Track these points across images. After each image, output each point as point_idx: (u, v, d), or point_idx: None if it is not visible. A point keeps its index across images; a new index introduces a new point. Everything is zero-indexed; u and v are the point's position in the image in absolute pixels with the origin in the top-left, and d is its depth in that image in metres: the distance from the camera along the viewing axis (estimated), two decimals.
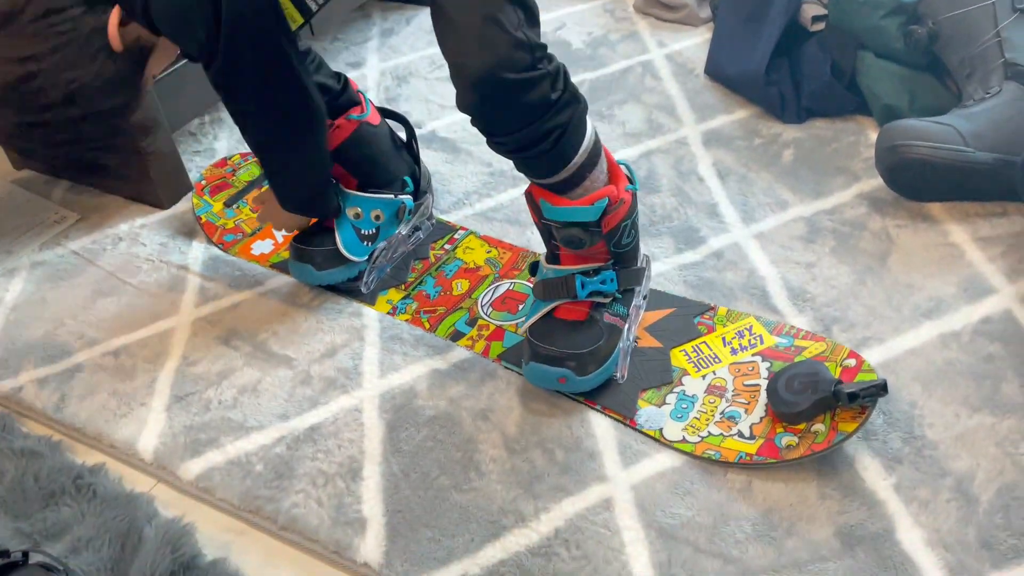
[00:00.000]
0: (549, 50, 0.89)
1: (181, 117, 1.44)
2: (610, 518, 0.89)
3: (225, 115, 1.61)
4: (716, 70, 1.52)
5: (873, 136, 1.34)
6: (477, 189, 1.37)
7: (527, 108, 0.87)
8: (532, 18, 0.87)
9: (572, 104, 0.90)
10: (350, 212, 1.15)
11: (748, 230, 1.22)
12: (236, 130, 1.55)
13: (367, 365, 1.09)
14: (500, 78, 0.84)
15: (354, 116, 1.15)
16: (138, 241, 1.34)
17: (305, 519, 0.92)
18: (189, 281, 1.25)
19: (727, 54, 1.49)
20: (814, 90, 1.38)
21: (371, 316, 1.16)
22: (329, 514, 0.93)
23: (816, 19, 1.44)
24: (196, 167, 1.48)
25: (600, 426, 0.98)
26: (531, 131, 0.88)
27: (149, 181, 1.37)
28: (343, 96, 1.17)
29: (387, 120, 1.24)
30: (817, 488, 0.89)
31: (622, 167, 1.01)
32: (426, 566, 0.87)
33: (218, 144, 1.54)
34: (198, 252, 1.30)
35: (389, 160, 1.20)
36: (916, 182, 1.17)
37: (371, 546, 0.89)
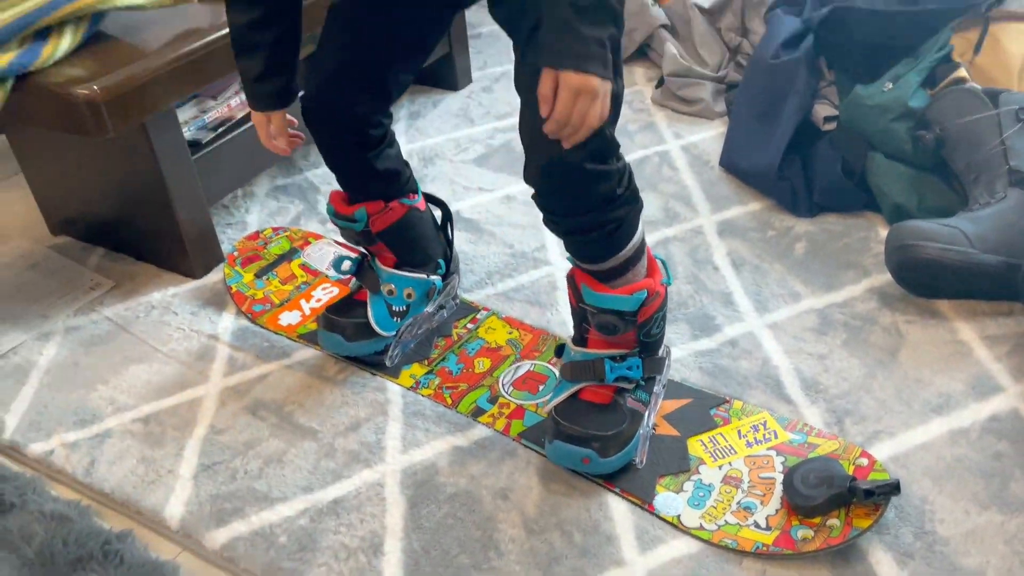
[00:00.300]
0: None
1: (217, 191, 1.50)
2: None
3: (257, 188, 1.67)
4: (731, 163, 1.59)
5: (883, 232, 1.39)
6: (499, 269, 1.42)
7: (592, 198, 0.92)
8: (614, 114, 0.91)
9: (632, 202, 0.96)
10: (384, 288, 1.19)
11: (762, 320, 1.27)
12: (267, 204, 1.63)
13: (390, 440, 1.12)
14: (573, 165, 0.88)
15: (407, 201, 1.20)
16: (170, 310, 1.38)
17: None
18: (219, 350, 1.29)
19: (741, 149, 1.56)
20: (825, 186, 1.44)
21: (394, 391, 1.20)
22: None
23: (828, 119, 1.51)
24: (228, 239, 1.53)
25: (618, 510, 1.00)
26: (589, 219, 0.93)
27: (183, 252, 1.42)
28: (405, 182, 1.22)
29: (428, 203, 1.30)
30: None
31: (657, 260, 1.06)
32: None
33: (249, 217, 1.60)
34: (228, 322, 1.35)
35: (428, 243, 1.25)
36: (925, 280, 1.21)
37: None
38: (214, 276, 1.45)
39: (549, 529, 0.99)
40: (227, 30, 1.26)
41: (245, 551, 1.00)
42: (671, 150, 1.70)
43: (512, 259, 1.44)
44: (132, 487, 1.08)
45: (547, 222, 0.97)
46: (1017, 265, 1.16)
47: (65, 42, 1.16)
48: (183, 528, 1.03)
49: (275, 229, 1.51)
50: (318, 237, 1.50)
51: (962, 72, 1.37)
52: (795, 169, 1.48)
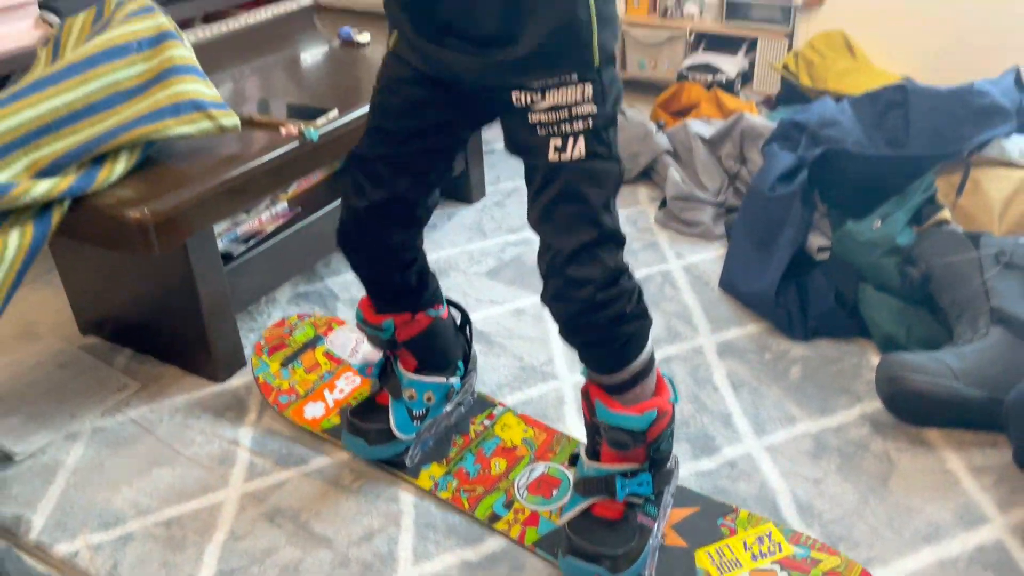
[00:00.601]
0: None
1: (244, 299, 1.58)
2: None
3: (279, 295, 1.76)
4: (730, 286, 1.67)
5: (874, 359, 1.47)
6: (509, 382, 1.48)
7: (603, 319, 0.99)
8: (621, 241, 1.01)
9: (640, 318, 1.03)
10: (406, 394, 1.26)
11: (760, 442, 1.33)
12: (288, 310, 1.71)
13: (402, 551, 1.17)
14: (586, 300, 0.98)
15: (432, 312, 1.27)
16: (193, 413, 1.44)
17: None
18: (239, 455, 1.35)
19: (740, 273, 1.65)
20: (820, 313, 1.52)
21: (407, 501, 1.25)
22: None
23: (821, 249, 1.61)
24: (249, 344, 1.60)
25: None
26: (600, 334, 1.01)
27: (208, 356, 1.49)
28: (431, 294, 1.28)
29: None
30: None
31: (665, 379, 1.12)
32: None
33: (271, 323, 1.67)
34: (249, 427, 1.41)
35: (449, 348, 1.32)
36: (914, 410, 1.28)
37: None
38: (236, 380, 1.52)
39: None
40: (265, 157, 1.37)
41: None
42: (673, 270, 1.80)
43: (521, 372, 1.51)
44: None
45: (561, 334, 1.05)
46: (1000, 400, 1.23)
47: (119, 167, 1.26)
48: None
49: (300, 316, 1.59)
50: (341, 323, 1.57)
51: (946, 214, 1.47)
52: (791, 295, 1.57)
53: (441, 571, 1.14)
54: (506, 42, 0.95)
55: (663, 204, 1.99)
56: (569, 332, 1.04)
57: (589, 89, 0.95)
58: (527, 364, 1.53)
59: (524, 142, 1.00)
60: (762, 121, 1.95)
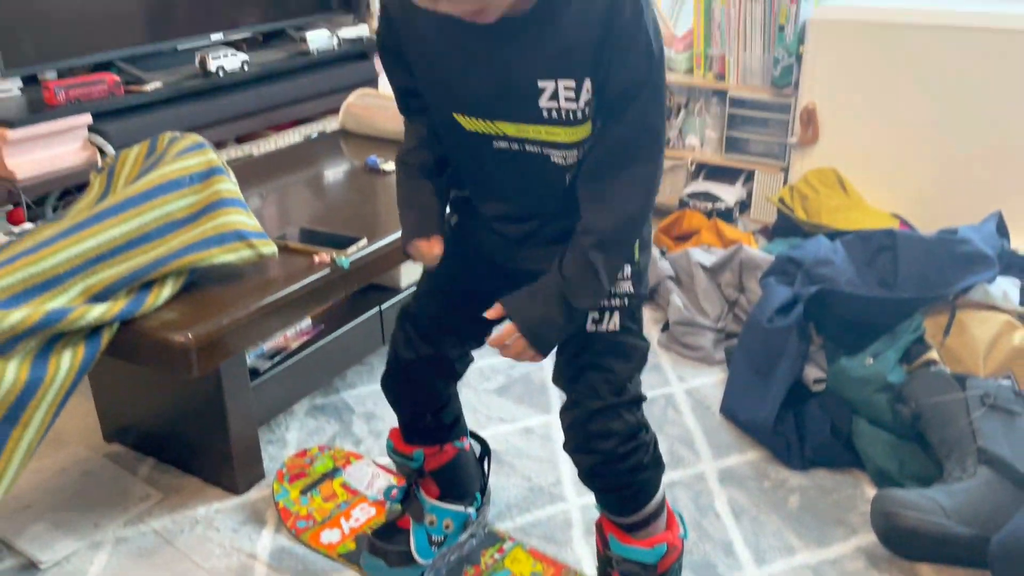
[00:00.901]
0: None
1: (266, 412, 1.65)
2: None
3: (297, 408, 1.83)
4: (730, 412, 1.75)
5: (868, 491, 1.53)
6: (518, 503, 1.54)
7: (622, 470, 1.09)
8: (642, 401, 1.11)
9: (655, 467, 1.13)
10: (427, 519, 1.32)
11: (760, 571, 1.38)
12: (306, 423, 1.77)
13: None
14: (605, 450, 1.07)
15: (458, 444, 1.36)
16: (213, 525, 1.49)
17: None
18: (256, 570, 1.39)
19: (740, 401, 1.73)
20: (816, 444, 1.59)
21: None
22: None
23: (816, 381, 1.69)
24: (268, 456, 1.66)
25: None
26: (619, 482, 1.10)
27: (230, 468, 1.55)
28: (455, 428, 1.36)
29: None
30: None
31: (676, 515, 1.19)
32: None
33: (289, 435, 1.74)
34: (267, 541, 1.45)
35: (470, 479, 1.39)
36: (906, 545, 1.34)
37: None
38: (255, 493, 1.57)
39: None
40: (300, 283, 1.47)
41: None
42: (675, 393, 1.88)
43: (530, 493, 1.57)
44: None
45: (581, 479, 1.14)
46: (988, 538, 1.29)
47: (166, 292, 1.35)
48: None
49: (320, 448, 1.65)
50: (358, 457, 1.64)
51: (933, 354, 1.56)
52: (788, 424, 1.64)
53: None
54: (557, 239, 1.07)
55: (666, 327, 2.08)
56: (588, 479, 1.12)
57: (628, 270, 1.08)
58: (535, 484, 1.59)
59: None
60: (760, 254, 2.07)
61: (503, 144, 1.03)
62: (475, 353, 2.02)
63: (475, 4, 0.88)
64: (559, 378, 1.14)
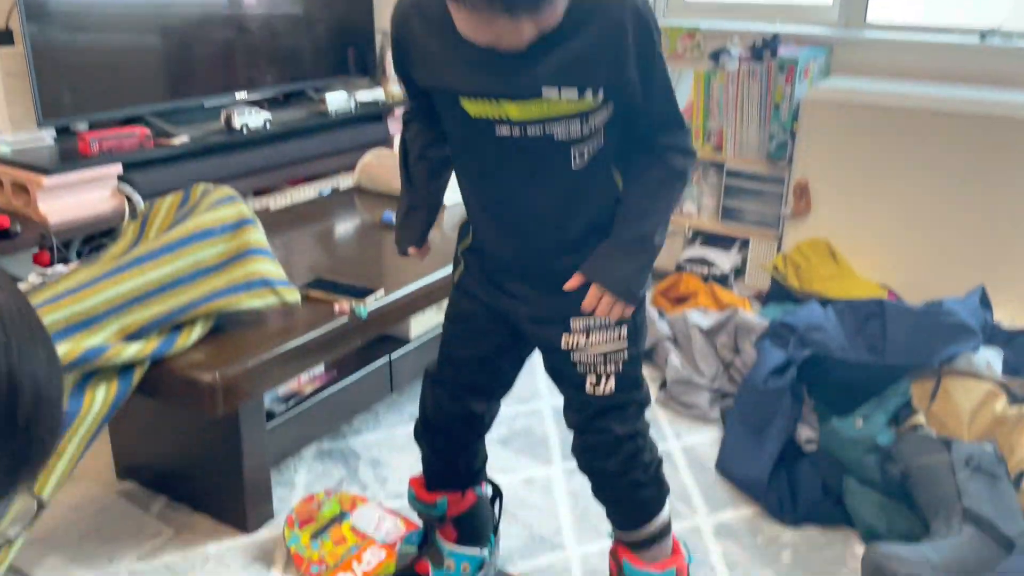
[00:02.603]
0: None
1: (277, 454, 1.71)
2: None
3: (306, 452, 1.88)
4: (725, 469, 1.81)
5: (857, 548, 1.59)
6: (519, 550, 1.59)
7: (620, 485, 1.19)
8: (640, 432, 1.20)
9: (655, 485, 1.22)
10: (446, 563, 1.37)
11: None
12: (314, 467, 1.83)
13: None
14: (599, 471, 1.18)
15: (479, 491, 1.43)
16: (223, 562, 1.54)
17: None
18: None
19: (735, 458, 1.80)
20: (808, 502, 1.65)
21: None
22: None
23: (809, 441, 1.76)
24: (277, 497, 1.71)
25: None
26: (618, 495, 1.20)
27: (241, 507, 1.60)
28: (480, 473, 1.44)
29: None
30: None
31: (680, 542, 1.27)
32: None
33: (297, 478, 1.79)
34: None
35: (486, 523, 1.45)
36: None
37: None
38: (264, 532, 1.62)
39: None
40: (320, 330, 1.55)
41: None
42: (673, 450, 1.94)
43: (531, 540, 1.62)
44: None
45: (594, 491, 1.24)
46: None
47: (195, 333, 1.43)
48: None
49: (327, 492, 1.70)
50: (364, 501, 1.68)
51: (920, 418, 1.64)
52: (781, 481, 1.71)
53: None
54: (559, 286, 1.15)
55: (663, 385, 2.16)
56: (595, 493, 1.23)
57: (624, 331, 1.17)
58: (536, 533, 1.64)
59: (565, 375, 1.21)
60: (754, 317, 2.16)
61: (505, 131, 1.06)
62: None
63: (511, 39, 0.94)
64: (569, 421, 1.24)
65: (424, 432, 1.37)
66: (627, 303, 1.12)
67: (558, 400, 1.26)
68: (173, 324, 1.41)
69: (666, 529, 1.23)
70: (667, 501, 1.24)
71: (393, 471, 1.83)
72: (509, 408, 2.09)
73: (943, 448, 1.54)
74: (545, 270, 1.16)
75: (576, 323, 1.16)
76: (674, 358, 2.16)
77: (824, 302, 2.13)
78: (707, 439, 1.98)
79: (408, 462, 1.85)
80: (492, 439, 1.95)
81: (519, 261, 1.18)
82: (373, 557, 1.54)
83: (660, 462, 1.23)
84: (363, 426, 2.00)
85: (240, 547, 1.58)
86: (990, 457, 1.52)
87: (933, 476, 1.51)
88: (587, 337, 1.16)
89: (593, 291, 1.11)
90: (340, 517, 1.64)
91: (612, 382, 1.16)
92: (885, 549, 1.42)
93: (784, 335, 1.94)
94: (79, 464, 1.80)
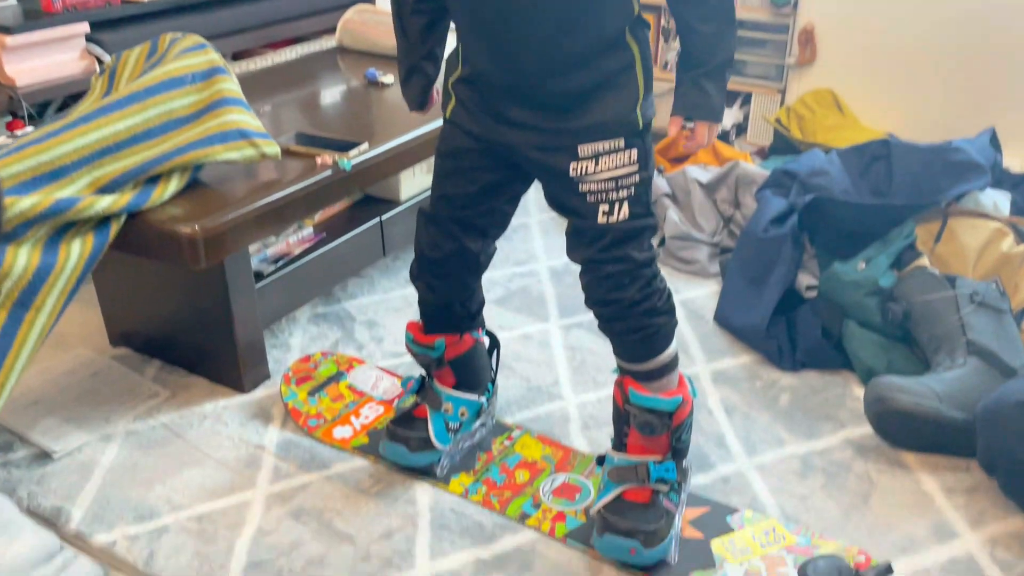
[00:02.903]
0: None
1: (269, 316, 1.68)
2: None
3: (300, 315, 1.86)
4: (723, 320, 1.79)
5: (857, 390, 1.58)
6: (517, 401, 1.59)
7: (637, 313, 1.16)
8: (652, 260, 1.17)
9: (668, 314, 1.20)
10: (444, 407, 1.37)
11: (751, 461, 1.43)
12: (308, 329, 1.81)
13: (419, 549, 1.26)
14: (619, 300, 1.15)
15: (476, 335, 1.41)
16: (221, 420, 1.54)
17: None
18: (264, 460, 1.44)
19: (733, 309, 1.77)
20: (807, 347, 1.64)
21: (424, 505, 1.34)
22: None
23: (809, 288, 1.73)
24: (272, 359, 1.70)
25: None
26: (634, 324, 1.16)
27: (236, 368, 1.59)
28: (477, 317, 1.42)
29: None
30: None
31: (685, 377, 1.27)
32: None
33: (292, 340, 1.77)
34: (274, 434, 1.50)
35: (483, 370, 1.44)
36: (898, 430, 1.39)
37: None
38: (260, 392, 1.61)
39: None
40: (302, 183, 1.49)
41: None
42: None
43: (529, 392, 1.61)
44: None
45: (602, 327, 1.21)
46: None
47: (171, 187, 1.37)
48: None
49: (323, 353, 1.69)
50: (361, 362, 1.67)
51: (924, 260, 1.60)
52: (780, 329, 1.69)
53: (456, 567, 1.23)
54: (569, 111, 1.10)
55: (662, 243, 2.11)
56: (608, 325, 1.20)
57: (634, 154, 1.11)
58: (534, 385, 1.63)
59: (574, 206, 1.16)
60: (756, 169, 2.09)
61: None
62: None
63: None
64: (575, 257, 1.19)
65: (420, 272, 1.34)
66: (719, 123, 1.18)
67: (554, 261, 1.22)
68: (147, 177, 1.36)
69: (674, 362, 1.22)
70: (675, 334, 1.22)
71: (389, 332, 1.81)
72: (505, 270, 2.06)
73: (947, 285, 1.51)
74: (550, 91, 1.10)
75: (584, 149, 1.11)
76: (673, 214, 2.11)
77: (828, 152, 2.05)
78: (706, 293, 1.95)
79: (404, 324, 1.82)
80: (489, 300, 1.92)
81: (520, 84, 1.11)
82: (371, 412, 1.54)
83: (671, 292, 1.20)
84: (357, 290, 1.97)
85: (237, 406, 1.58)
86: (994, 292, 1.48)
87: (937, 312, 1.48)
88: (596, 163, 1.10)
89: (700, 130, 1.17)
90: (337, 376, 1.63)
91: (626, 208, 1.12)
92: (889, 381, 1.41)
93: (785, 183, 1.88)
94: (69, 332, 1.80)
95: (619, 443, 1.26)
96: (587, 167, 1.11)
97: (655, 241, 2.15)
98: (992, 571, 1.21)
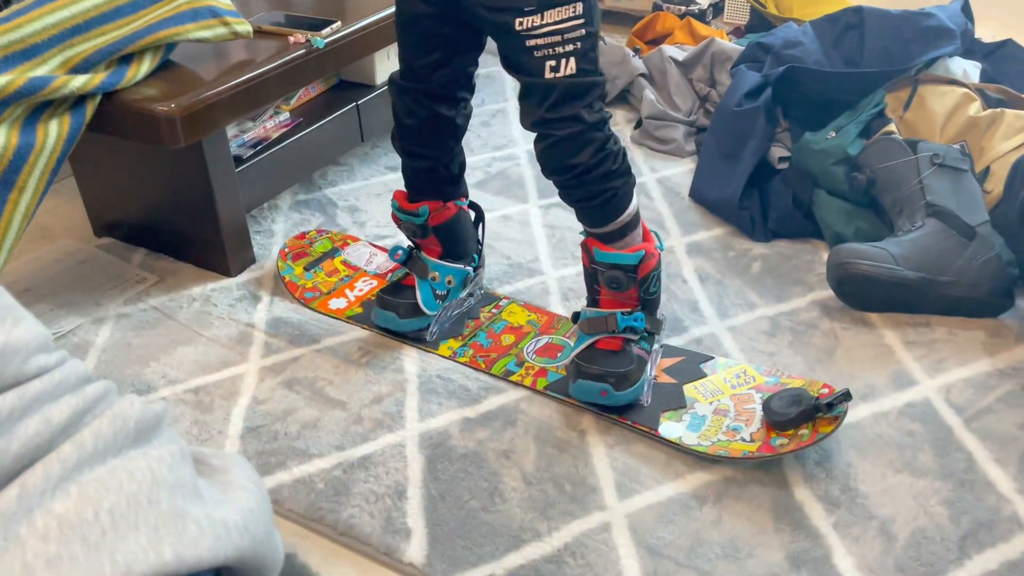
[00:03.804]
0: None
1: (251, 201, 1.70)
2: (608, 538, 1.11)
3: (281, 202, 1.88)
4: (698, 195, 1.83)
5: (826, 256, 1.64)
6: (499, 276, 1.63)
7: (593, 178, 1.19)
8: (605, 120, 1.19)
9: (626, 175, 1.22)
10: (430, 275, 1.42)
11: (722, 324, 1.50)
12: (291, 216, 1.83)
13: (408, 411, 1.33)
14: (575, 165, 1.17)
15: (459, 203, 1.45)
16: (210, 302, 1.58)
17: (360, 527, 1.14)
18: (255, 337, 1.49)
19: (708, 183, 1.80)
20: (778, 216, 1.68)
21: (411, 372, 1.40)
22: (380, 524, 1.14)
23: (782, 159, 1.76)
24: (257, 244, 1.73)
25: (601, 467, 1.21)
26: (591, 190, 1.20)
27: (221, 253, 1.62)
28: (460, 185, 1.46)
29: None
30: (773, 523, 1.13)
31: (653, 234, 1.31)
32: (461, 568, 1.08)
33: (275, 226, 1.80)
34: (263, 313, 1.54)
35: (468, 239, 1.48)
36: (858, 293, 1.45)
37: (415, 550, 1.10)
38: (247, 275, 1.65)
39: (544, 481, 1.20)
40: (276, 62, 1.49)
41: (288, 495, 1.19)
42: (647, 182, 1.95)
43: (510, 268, 1.66)
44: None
45: (562, 196, 1.24)
46: (933, 280, 1.40)
47: (144, 67, 1.37)
48: None
49: (319, 231, 1.73)
50: (355, 239, 1.71)
51: (892, 127, 1.63)
52: (753, 201, 1.73)
53: (443, 426, 1.30)
54: None
55: (638, 124, 2.13)
56: (567, 194, 1.22)
57: (579, 7, 1.11)
58: (515, 262, 1.68)
59: (523, 64, 1.16)
60: (732, 46, 2.09)
61: None
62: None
63: None
64: (527, 121, 1.20)
65: (400, 137, 1.37)
66: None
67: (533, 145, 1.24)
68: (119, 56, 1.35)
69: (635, 219, 1.26)
70: (635, 192, 1.25)
71: (371, 216, 1.84)
72: (484, 155, 2.07)
73: (909, 150, 1.54)
74: None
75: (530, 1, 1.12)
76: (649, 93, 2.12)
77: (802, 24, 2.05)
78: (682, 171, 1.98)
79: (385, 208, 1.85)
80: (470, 183, 1.93)
81: None
82: (366, 285, 1.58)
83: (626, 152, 1.23)
84: (338, 178, 1.98)
85: (225, 288, 1.61)
86: (955, 153, 1.52)
87: (898, 177, 1.52)
88: (541, 17, 1.11)
89: None
90: (332, 252, 1.67)
91: (573, 62, 1.13)
92: (848, 248, 1.46)
93: (760, 57, 1.88)
94: (53, 225, 1.81)
95: (592, 300, 1.32)
96: (533, 20, 1.12)
97: (630, 129, 2.17)
98: (946, 412, 1.30)
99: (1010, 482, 1.18)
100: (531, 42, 1.13)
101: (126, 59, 1.36)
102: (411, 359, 1.43)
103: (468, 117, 1.38)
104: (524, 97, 1.19)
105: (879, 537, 1.11)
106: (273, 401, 1.35)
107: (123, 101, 1.35)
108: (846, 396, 1.16)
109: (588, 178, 1.19)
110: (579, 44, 1.13)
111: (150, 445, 0.55)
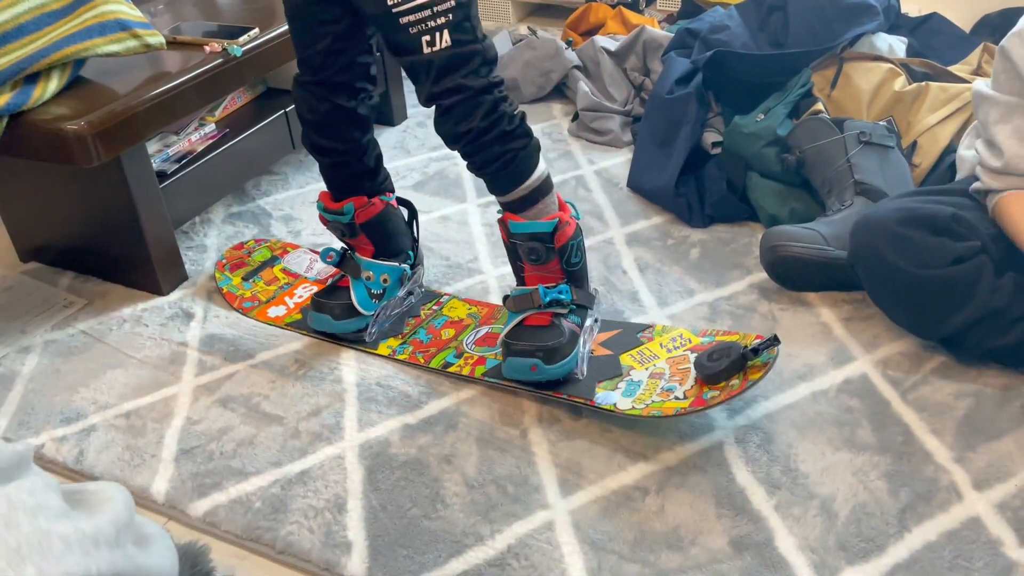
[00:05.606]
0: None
1: (180, 217, 1.66)
2: (552, 536, 1.10)
3: (213, 216, 1.84)
4: (636, 184, 1.83)
5: None
6: (438, 278, 1.61)
7: (490, 139, 1.18)
8: (495, 85, 1.18)
9: (524, 137, 1.21)
10: (364, 275, 1.40)
11: (663, 312, 1.49)
12: (224, 229, 1.80)
13: (347, 422, 1.30)
14: (468, 130, 1.17)
15: (385, 198, 1.43)
16: (141, 322, 1.54)
17: (299, 544, 1.11)
18: (188, 355, 1.45)
19: (644, 171, 1.80)
20: (714, 201, 1.69)
21: (350, 383, 1.37)
22: (319, 539, 1.11)
23: (715, 144, 1.77)
24: (189, 260, 1.69)
25: (543, 465, 1.20)
26: (491, 152, 1.19)
27: (151, 272, 1.58)
28: (383, 181, 1.45)
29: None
30: (716, 509, 1.13)
31: (568, 204, 1.31)
32: None
33: (208, 241, 1.76)
34: (196, 331, 1.51)
35: (400, 236, 1.47)
36: (790, 274, 1.46)
37: (356, 564, 1.08)
38: (178, 293, 1.61)
39: (486, 484, 1.18)
40: (193, 72, 1.45)
41: (225, 516, 1.16)
42: (585, 174, 1.94)
43: (449, 269, 1.64)
44: (120, 470, 1.23)
45: (469, 168, 1.23)
46: None
47: (52, 85, 1.32)
48: (168, 501, 1.18)
49: (257, 240, 1.69)
50: (296, 247, 1.68)
51: (819, 106, 1.64)
52: (689, 187, 1.73)
53: (384, 435, 1.27)
54: None
55: (575, 117, 2.12)
56: (470, 160, 1.21)
57: None
58: (454, 262, 1.66)
59: (401, 43, 1.16)
60: (662, 33, 2.09)
61: None
62: (389, 155, 2.06)
63: None
64: (420, 99, 1.20)
65: (306, 136, 1.36)
66: None
67: None
68: (25, 75, 1.30)
69: (545, 185, 1.24)
70: (541, 158, 1.24)
71: (306, 225, 1.81)
72: (420, 156, 2.05)
73: (836, 129, 1.55)
74: None
75: None
76: (584, 85, 2.11)
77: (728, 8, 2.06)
78: (619, 162, 1.97)
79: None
80: (406, 185, 1.93)
81: None
82: (305, 292, 1.56)
83: (524, 115, 1.22)
84: (272, 187, 1.95)
85: (156, 307, 1.57)
86: (881, 130, 1.53)
87: (827, 156, 1.53)
88: None
89: None
90: (271, 261, 1.64)
91: (447, 35, 1.13)
92: (779, 231, 1.47)
93: (689, 43, 1.88)
94: None
95: (519, 280, 1.32)
96: None
97: (567, 122, 2.16)
98: (883, 386, 1.31)
99: (946, 451, 1.19)
100: (404, 19, 1.13)
101: (32, 78, 1.32)
102: (350, 368, 1.41)
103: (373, 108, 1.37)
104: (411, 77, 1.19)
105: (820, 516, 1.11)
106: (208, 421, 1.32)
107: (31, 121, 1.30)
108: (774, 340, 1.16)
109: (484, 140, 1.18)
110: (451, 15, 1.12)
111: (11, 482, 0.53)
